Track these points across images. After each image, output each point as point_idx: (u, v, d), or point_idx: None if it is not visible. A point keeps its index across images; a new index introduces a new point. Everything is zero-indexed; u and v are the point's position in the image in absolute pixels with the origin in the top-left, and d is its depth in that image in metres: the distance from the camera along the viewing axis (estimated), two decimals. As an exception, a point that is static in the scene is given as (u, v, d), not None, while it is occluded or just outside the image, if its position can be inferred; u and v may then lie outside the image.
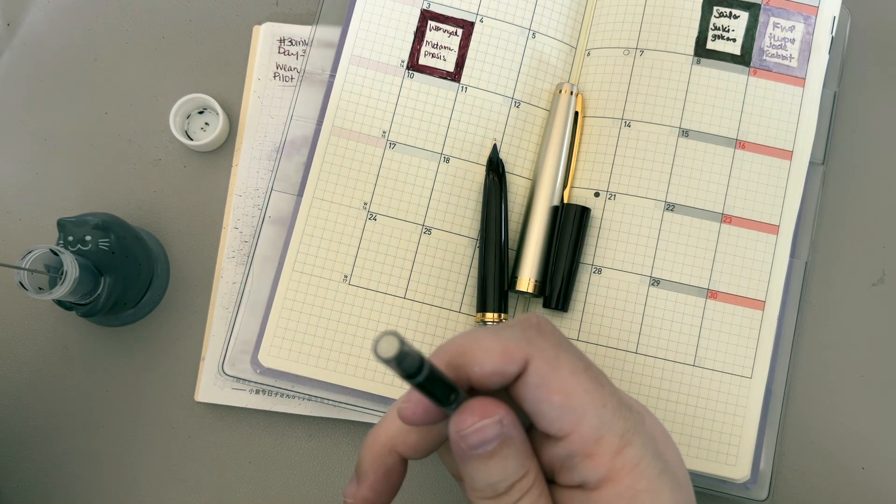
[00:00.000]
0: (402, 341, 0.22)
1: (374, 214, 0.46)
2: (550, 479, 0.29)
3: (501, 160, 0.46)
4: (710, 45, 0.47)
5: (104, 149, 0.50)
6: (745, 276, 0.45)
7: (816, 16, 0.47)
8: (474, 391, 0.28)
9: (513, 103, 0.47)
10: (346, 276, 0.46)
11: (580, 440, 0.27)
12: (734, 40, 0.47)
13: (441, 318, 0.45)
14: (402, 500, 0.32)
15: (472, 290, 0.46)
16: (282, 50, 0.50)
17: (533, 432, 0.29)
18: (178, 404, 0.47)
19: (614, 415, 0.27)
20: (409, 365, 0.23)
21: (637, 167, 0.46)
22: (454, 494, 0.46)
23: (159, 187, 0.49)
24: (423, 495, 0.46)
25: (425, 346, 0.45)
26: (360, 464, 0.31)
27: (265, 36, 0.50)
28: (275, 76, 0.49)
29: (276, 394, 0.46)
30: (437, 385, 0.25)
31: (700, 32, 0.47)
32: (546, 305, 0.45)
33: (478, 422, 0.26)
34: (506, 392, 0.28)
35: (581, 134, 0.47)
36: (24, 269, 0.39)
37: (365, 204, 0.46)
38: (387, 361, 0.22)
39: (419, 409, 0.28)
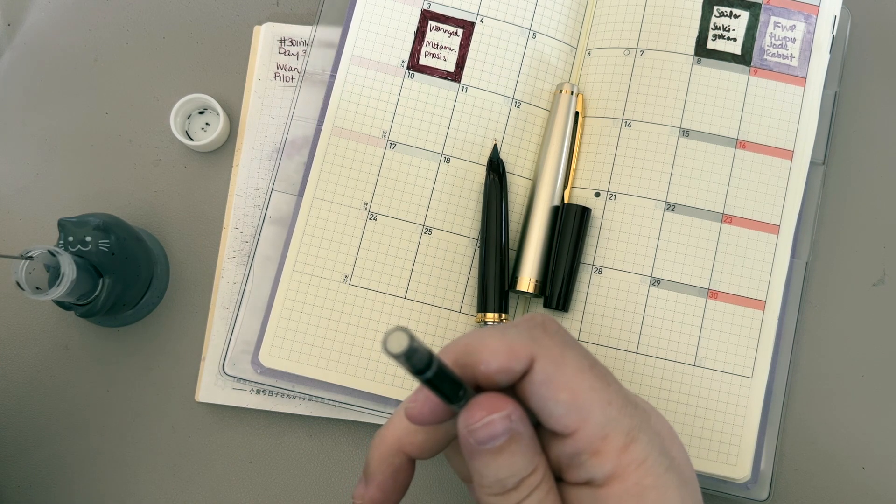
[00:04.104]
0: (411, 337, 0.22)
1: (374, 214, 0.46)
2: (558, 477, 0.29)
3: (502, 160, 0.46)
4: (711, 44, 0.47)
5: (104, 149, 0.50)
6: (745, 276, 0.45)
7: (817, 15, 0.47)
8: (480, 390, 0.28)
9: (513, 103, 0.47)
10: (346, 277, 0.46)
11: (586, 437, 0.27)
12: (735, 40, 0.47)
13: (441, 319, 0.45)
14: (408, 500, 0.32)
15: (472, 291, 0.46)
16: (282, 50, 0.50)
17: (540, 430, 0.29)
18: (179, 404, 0.47)
19: (620, 412, 0.27)
20: (418, 361, 0.23)
21: (637, 167, 0.46)
22: (459, 495, 0.46)
23: (160, 187, 0.49)
24: (429, 496, 0.46)
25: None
26: (367, 464, 0.31)
27: (266, 36, 0.50)
28: (275, 76, 0.49)
29: (277, 394, 0.46)
30: (445, 381, 0.25)
31: (700, 32, 0.47)
32: (546, 305, 0.45)
33: (486, 416, 0.26)
34: (512, 391, 0.28)
35: (581, 134, 0.47)
36: (23, 257, 0.39)
37: (365, 204, 0.46)
38: (396, 357, 0.22)
39: (426, 407, 0.28)
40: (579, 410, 0.27)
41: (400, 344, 0.22)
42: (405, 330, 0.22)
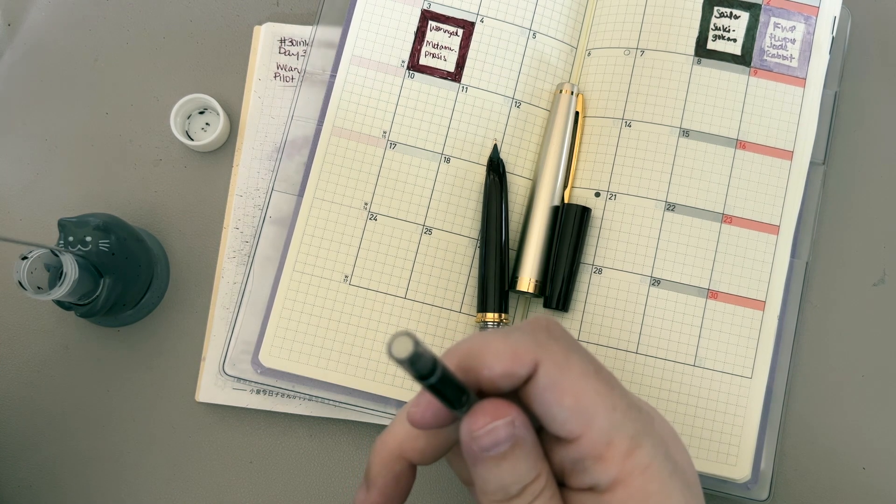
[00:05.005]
0: (416, 342, 0.22)
1: (374, 214, 0.46)
2: (561, 482, 0.29)
3: (502, 160, 0.46)
4: (711, 45, 0.47)
5: (105, 149, 0.50)
6: (745, 276, 0.45)
7: (817, 16, 0.47)
8: (483, 394, 0.28)
9: (513, 103, 0.47)
10: (346, 276, 0.46)
11: (590, 442, 0.27)
12: (735, 40, 0.47)
13: (442, 319, 0.46)
14: (408, 500, 0.32)
15: (472, 291, 0.46)
16: (282, 50, 0.50)
17: (543, 435, 0.28)
18: (179, 404, 0.47)
19: (624, 417, 0.27)
20: (422, 366, 0.23)
21: (638, 167, 0.46)
22: (459, 497, 0.46)
23: (160, 187, 0.49)
24: (429, 496, 0.46)
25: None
26: (368, 470, 0.31)
27: (266, 36, 0.50)
28: (275, 76, 0.49)
29: (277, 394, 0.46)
30: (448, 387, 0.25)
31: (700, 32, 0.47)
32: (546, 305, 0.45)
33: (489, 423, 0.26)
34: (515, 395, 0.28)
35: (581, 134, 0.47)
36: (17, 241, 0.39)
37: (365, 204, 0.46)
38: (400, 362, 0.22)
39: (429, 412, 0.28)
40: (583, 415, 0.27)
41: (405, 349, 0.22)
42: (410, 334, 0.22)
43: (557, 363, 0.27)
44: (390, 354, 0.22)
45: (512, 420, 0.26)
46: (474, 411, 0.26)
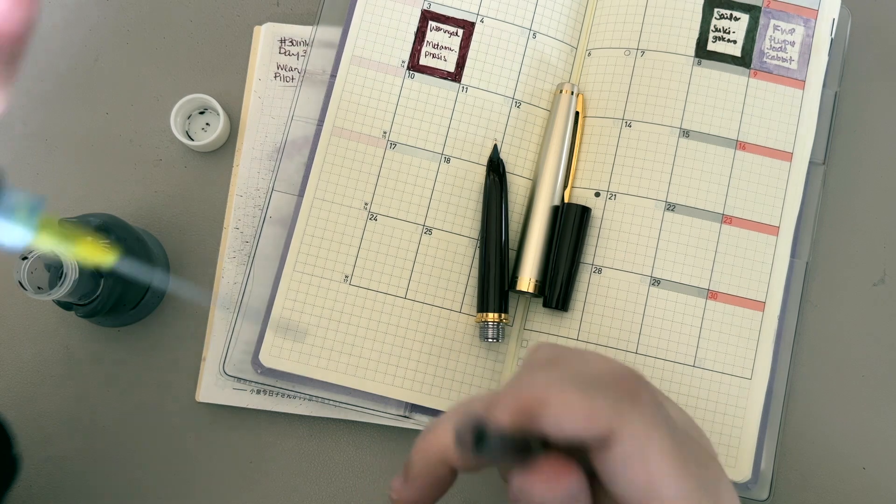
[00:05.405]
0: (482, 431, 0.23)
1: (374, 214, 0.46)
2: None
3: (502, 160, 0.46)
4: (711, 46, 0.47)
5: (105, 149, 0.50)
6: (745, 276, 0.45)
7: (816, 19, 0.48)
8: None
9: (513, 103, 0.47)
10: (346, 277, 0.46)
11: None
12: (735, 42, 0.47)
13: (441, 318, 0.46)
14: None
15: (472, 290, 0.46)
16: (282, 50, 0.50)
17: (594, 483, 0.27)
18: (179, 404, 0.47)
19: (691, 501, 0.26)
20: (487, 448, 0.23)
21: (638, 167, 0.46)
22: (463, 498, 0.46)
23: (160, 188, 0.49)
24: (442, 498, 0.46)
25: (426, 345, 0.45)
26: (410, 466, 0.30)
27: (266, 36, 0.50)
28: (275, 76, 0.49)
29: (277, 394, 0.46)
30: (508, 454, 0.25)
31: (701, 34, 0.47)
32: (546, 305, 0.45)
33: (546, 486, 0.25)
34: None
35: (582, 134, 0.47)
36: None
37: (366, 204, 0.46)
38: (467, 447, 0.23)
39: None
40: (652, 494, 0.25)
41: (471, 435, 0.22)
42: (479, 422, 0.22)
43: (637, 438, 0.25)
44: (458, 440, 0.23)
45: (569, 487, 0.25)
46: (533, 470, 0.25)
